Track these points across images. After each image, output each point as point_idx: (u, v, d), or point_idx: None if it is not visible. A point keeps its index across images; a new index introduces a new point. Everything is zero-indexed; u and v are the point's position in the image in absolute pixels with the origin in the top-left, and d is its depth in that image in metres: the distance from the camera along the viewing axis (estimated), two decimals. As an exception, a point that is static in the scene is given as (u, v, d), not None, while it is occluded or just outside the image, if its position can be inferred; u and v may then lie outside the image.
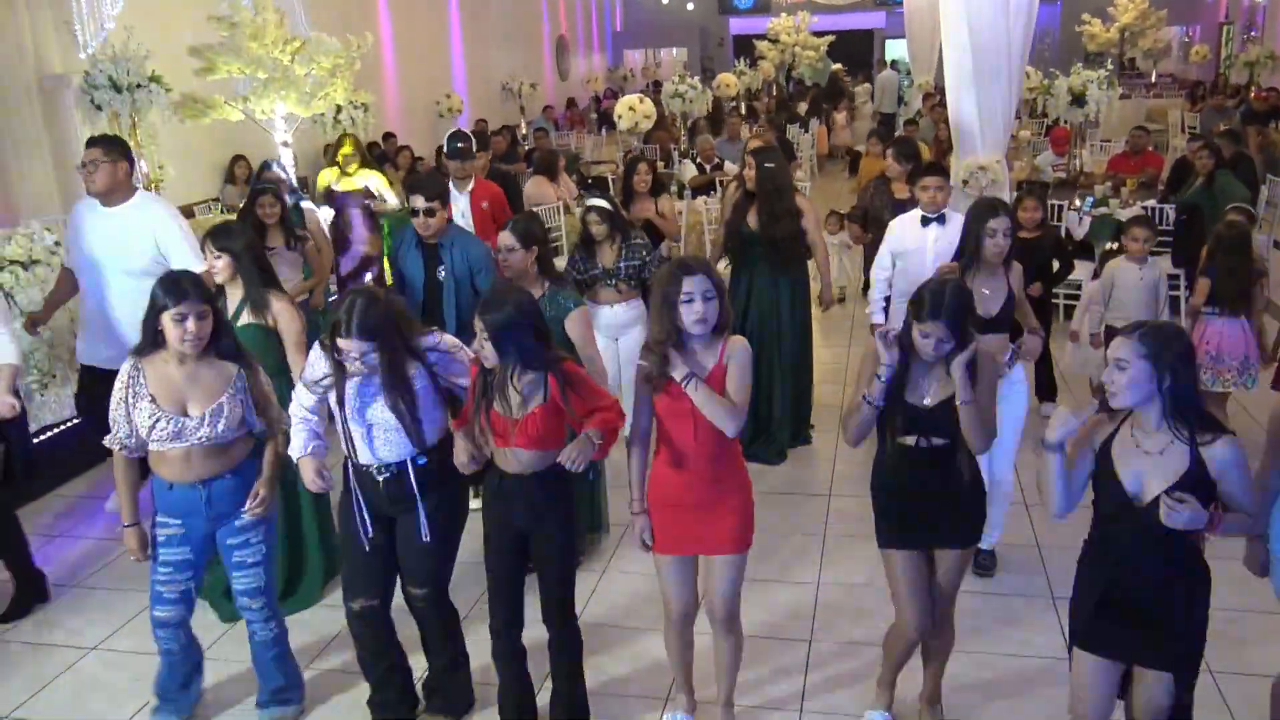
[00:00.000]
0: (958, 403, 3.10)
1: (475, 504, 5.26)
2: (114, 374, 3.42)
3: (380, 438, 3.34)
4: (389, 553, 3.48)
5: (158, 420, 3.29)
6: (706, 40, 31.24)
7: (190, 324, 3.25)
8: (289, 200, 5.91)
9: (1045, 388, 6.39)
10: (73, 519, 5.49)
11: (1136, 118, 14.63)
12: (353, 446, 3.38)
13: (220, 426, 3.34)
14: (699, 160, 11.25)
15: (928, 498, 3.23)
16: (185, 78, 8.26)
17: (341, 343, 3.20)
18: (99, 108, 7.14)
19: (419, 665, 3.76)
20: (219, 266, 4.03)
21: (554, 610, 3.45)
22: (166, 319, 3.25)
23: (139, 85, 7.11)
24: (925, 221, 5.05)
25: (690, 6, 30.41)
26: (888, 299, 5.28)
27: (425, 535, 3.39)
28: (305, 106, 8.41)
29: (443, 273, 4.91)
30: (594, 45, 28.48)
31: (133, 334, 4.89)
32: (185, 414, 3.32)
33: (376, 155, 11.90)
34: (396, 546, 3.48)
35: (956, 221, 4.93)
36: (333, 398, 3.35)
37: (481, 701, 3.74)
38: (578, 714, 3.59)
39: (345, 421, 3.36)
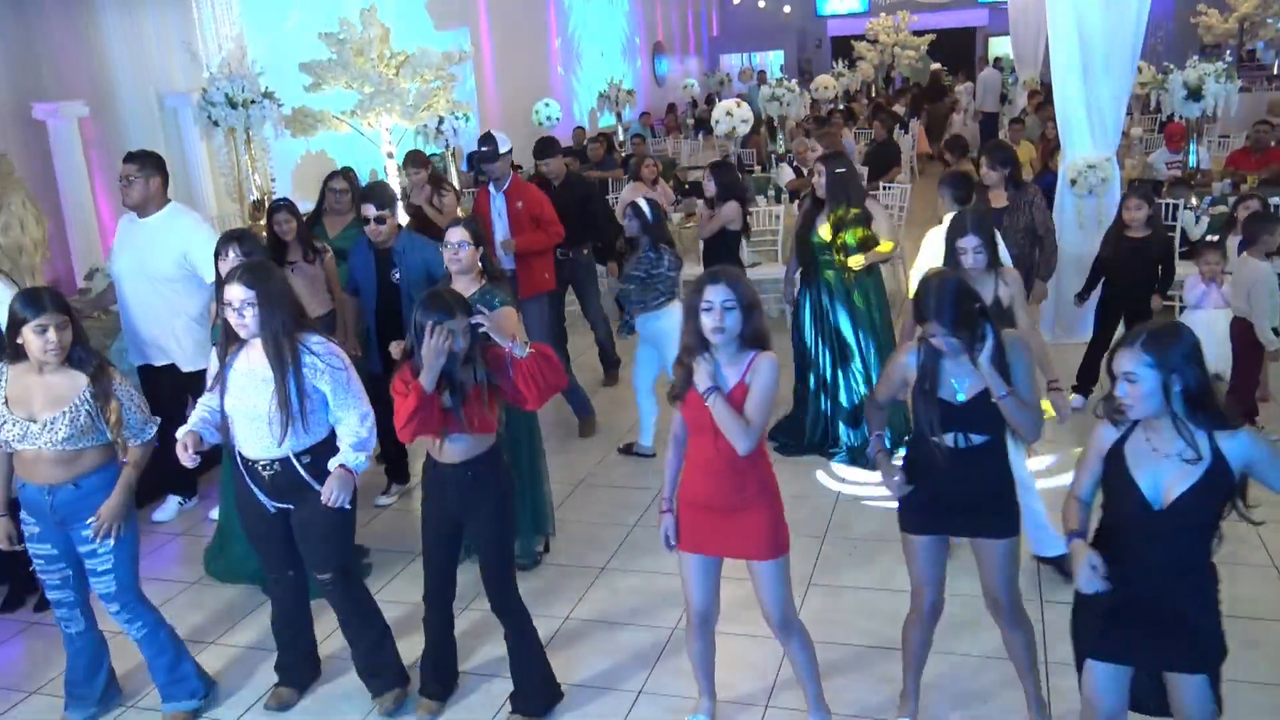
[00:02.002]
0: (994, 398, 3.09)
1: (386, 500, 5.65)
2: (166, 370, 3.59)
3: (259, 429, 3.49)
4: (288, 534, 3.70)
5: (5, 422, 3.49)
6: (804, 42, 30.97)
7: (51, 334, 3.43)
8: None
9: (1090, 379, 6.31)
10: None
11: (1258, 112, 13.98)
12: (235, 437, 3.57)
13: (61, 433, 3.47)
14: (796, 163, 11.16)
15: (961, 490, 3.22)
16: (296, 93, 8.55)
17: (227, 290, 3.40)
18: (216, 123, 7.42)
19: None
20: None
21: (495, 595, 3.62)
22: (28, 331, 3.42)
23: (253, 101, 7.37)
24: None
25: (787, 9, 30.20)
26: None
27: (314, 519, 3.59)
28: (409, 119, 8.61)
29: (396, 275, 5.21)
30: (690, 50, 28.50)
31: (154, 337, 5.30)
32: (31, 419, 3.48)
33: (475, 163, 12.12)
34: (293, 533, 3.69)
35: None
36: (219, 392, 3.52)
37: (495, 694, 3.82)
38: (537, 693, 3.73)
39: (229, 412, 3.52)
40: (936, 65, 23.94)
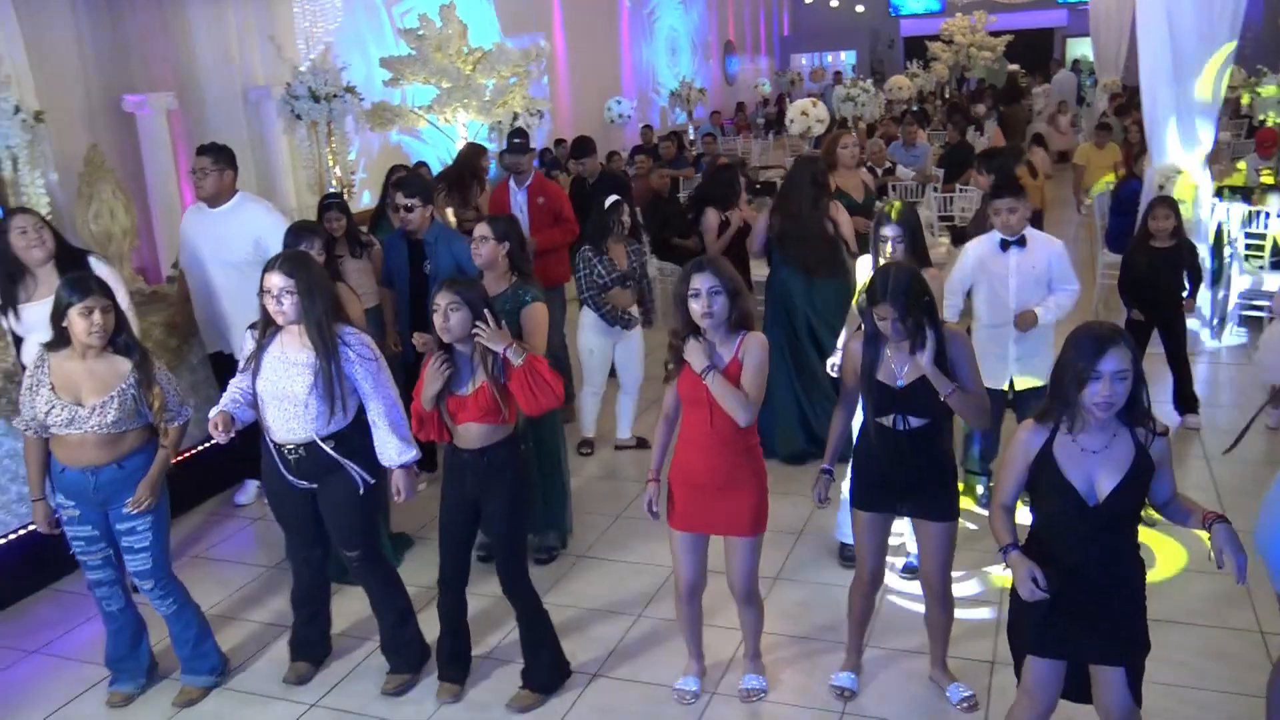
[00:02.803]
0: (942, 396, 3.28)
1: (421, 486, 5.55)
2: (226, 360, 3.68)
3: (290, 413, 3.60)
4: (315, 515, 3.82)
5: (54, 407, 3.57)
6: (876, 42, 30.66)
7: (96, 317, 3.54)
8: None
9: (1186, 399, 6.13)
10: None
11: (1352, 117, 13.50)
12: (267, 422, 3.66)
13: (110, 417, 3.59)
14: (870, 165, 11.04)
15: (903, 470, 3.42)
16: (375, 88, 8.68)
17: (266, 278, 3.52)
18: (298, 116, 7.56)
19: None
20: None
21: (507, 577, 3.75)
22: (73, 314, 3.53)
23: (335, 95, 7.49)
24: (1004, 245, 4.80)
25: (860, 8, 29.91)
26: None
27: (338, 501, 3.73)
28: (486, 114, 8.69)
29: (428, 267, 5.25)
30: (761, 49, 28.37)
31: (238, 321, 5.30)
32: (79, 403, 3.57)
33: (548, 161, 12.21)
34: (321, 512, 3.80)
35: (1040, 243, 4.79)
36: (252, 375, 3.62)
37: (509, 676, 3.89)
38: (546, 670, 3.87)
39: (260, 394, 3.63)
40: (1013, 66, 23.52)
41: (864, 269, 4.78)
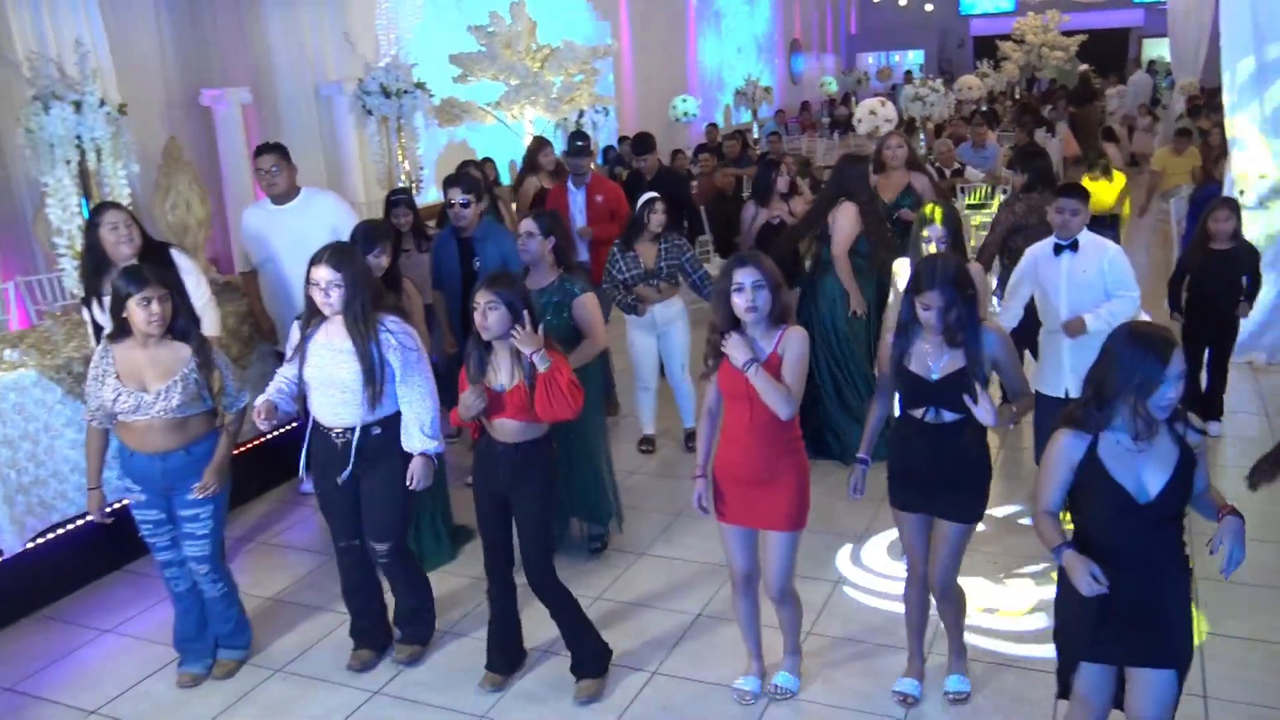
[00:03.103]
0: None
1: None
2: None
3: (336, 399, 3.71)
4: (356, 504, 3.91)
5: (120, 394, 3.67)
6: (945, 41, 30.24)
7: (154, 306, 3.64)
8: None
9: (1212, 406, 5.97)
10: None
11: None
12: (314, 407, 3.78)
13: (175, 401, 3.69)
14: (938, 165, 10.90)
15: (935, 466, 3.41)
16: (444, 84, 8.76)
17: (313, 271, 3.63)
18: (369, 112, 7.65)
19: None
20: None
21: (534, 573, 3.78)
22: (132, 304, 3.62)
23: (406, 91, 7.58)
24: (1058, 249, 4.67)
25: (929, 8, 29.52)
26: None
27: (378, 489, 3.83)
28: (553, 111, 8.73)
29: (477, 264, 5.26)
30: (828, 48, 28.14)
31: None
32: (144, 389, 3.67)
33: (612, 158, 12.23)
34: (360, 501, 3.89)
35: (1093, 248, 4.62)
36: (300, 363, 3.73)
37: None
38: (592, 657, 3.90)
39: (308, 381, 3.74)
40: (1085, 66, 23.03)
41: (903, 270, 4.75)
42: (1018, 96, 21.66)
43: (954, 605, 3.67)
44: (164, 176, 6.41)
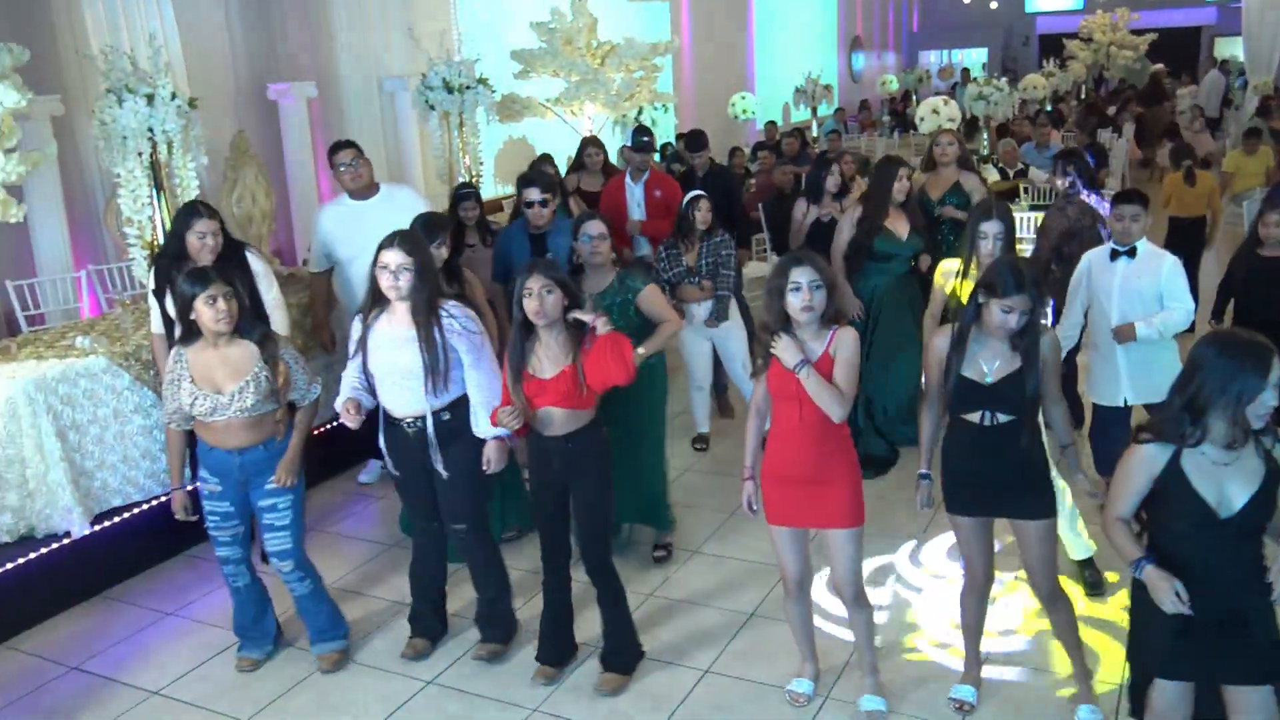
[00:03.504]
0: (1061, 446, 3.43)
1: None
2: None
3: (403, 386, 3.73)
4: (431, 489, 3.94)
5: (196, 398, 3.72)
6: (1010, 40, 29.75)
7: (221, 304, 3.66)
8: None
9: None
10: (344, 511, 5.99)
11: None
12: (382, 396, 3.81)
13: (249, 400, 3.72)
14: (1001, 165, 10.73)
15: (993, 469, 3.37)
16: (505, 80, 8.81)
17: (384, 254, 3.63)
18: (431, 107, 7.72)
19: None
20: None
21: (591, 558, 3.79)
22: (199, 304, 3.65)
23: (468, 87, 7.63)
24: (1115, 255, 4.55)
25: (994, 5, 29.06)
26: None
27: (445, 473, 3.85)
28: (613, 108, 8.74)
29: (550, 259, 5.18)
30: (889, 45, 27.84)
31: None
32: (219, 391, 3.71)
33: (669, 155, 12.21)
34: (435, 485, 3.91)
35: (1150, 256, 4.50)
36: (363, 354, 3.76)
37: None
38: (626, 652, 3.92)
39: (374, 373, 3.76)
40: (1158, 66, 22.51)
41: (949, 269, 4.70)
42: (1083, 96, 21.25)
43: (1066, 613, 3.55)
44: (230, 169, 6.54)
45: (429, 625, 4.24)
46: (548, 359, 3.62)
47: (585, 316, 3.56)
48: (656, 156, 11.51)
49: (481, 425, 3.81)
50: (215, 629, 4.47)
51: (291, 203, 8.36)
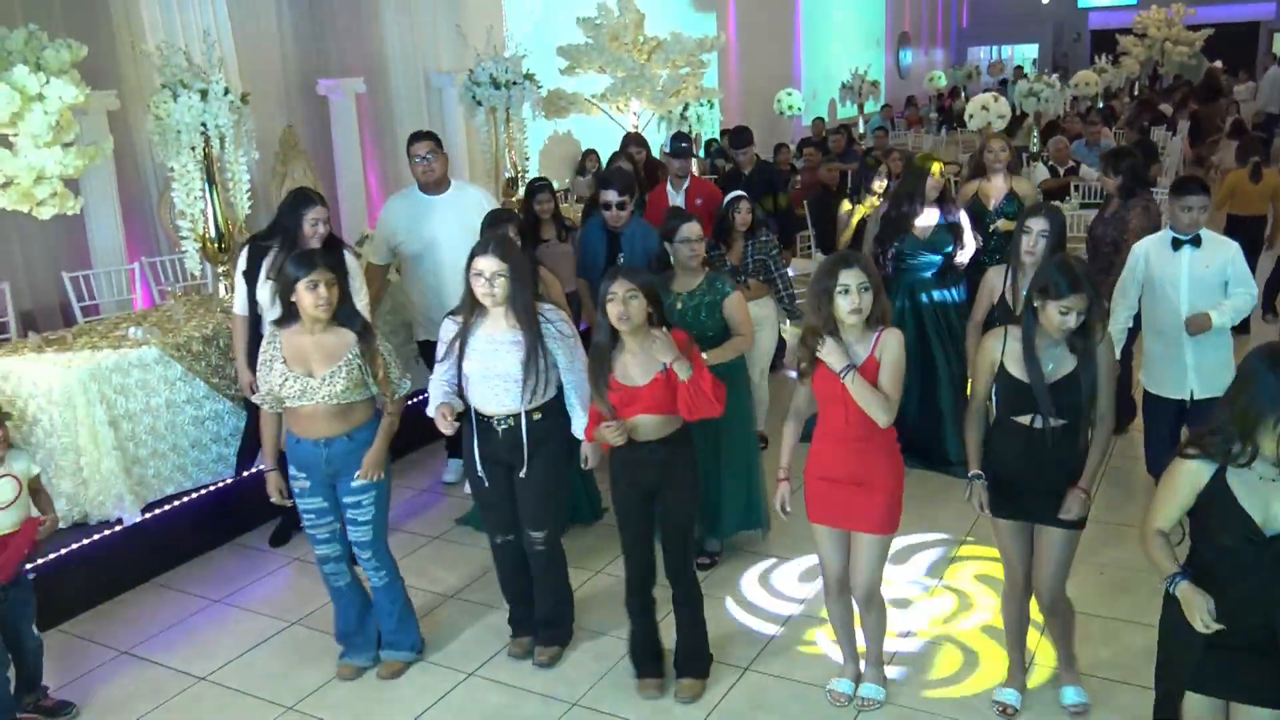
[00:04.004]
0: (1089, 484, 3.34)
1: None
2: None
3: (500, 388, 3.71)
4: (513, 497, 3.89)
5: (287, 379, 3.71)
6: (1061, 35, 29.33)
7: (322, 290, 3.66)
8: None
9: None
10: (419, 476, 6.05)
11: None
12: (475, 398, 3.77)
13: (339, 386, 3.71)
14: (1051, 163, 10.58)
15: (1041, 473, 3.33)
16: (551, 76, 8.84)
17: (478, 261, 3.62)
18: (479, 103, 7.77)
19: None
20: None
21: (674, 563, 3.71)
22: (301, 287, 3.65)
23: (514, 82, 7.67)
24: (1177, 244, 4.47)
25: (1045, 0, 28.66)
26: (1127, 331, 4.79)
27: (532, 475, 3.80)
28: (659, 104, 8.74)
29: (622, 258, 5.25)
30: (937, 41, 27.56)
31: None
32: (310, 374, 3.70)
33: (714, 151, 12.18)
34: (515, 492, 3.87)
35: (1215, 243, 4.47)
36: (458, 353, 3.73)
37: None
38: (700, 657, 3.86)
39: (468, 375, 3.73)
40: (1216, 63, 22.06)
41: (996, 279, 4.66)
42: (1136, 93, 20.89)
43: (1063, 618, 3.56)
44: (280, 163, 6.64)
45: (531, 625, 4.18)
46: (637, 366, 3.55)
47: (664, 356, 3.48)
48: (701, 153, 11.52)
49: (579, 426, 3.82)
50: (262, 617, 4.54)
51: (339, 197, 8.45)
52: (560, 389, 3.85)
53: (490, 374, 3.72)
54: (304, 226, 4.62)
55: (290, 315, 3.77)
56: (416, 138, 5.42)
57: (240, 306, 4.84)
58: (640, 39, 8.81)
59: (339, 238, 4.97)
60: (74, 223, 6.38)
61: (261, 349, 3.83)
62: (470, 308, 3.74)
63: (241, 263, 4.84)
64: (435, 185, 5.40)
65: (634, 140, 7.98)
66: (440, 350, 3.83)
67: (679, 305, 4.47)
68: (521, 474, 3.83)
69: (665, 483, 3.65)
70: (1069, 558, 3.44)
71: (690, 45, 8.66)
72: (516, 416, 3.76)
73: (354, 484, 3.83)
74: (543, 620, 4.12)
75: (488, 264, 3.63)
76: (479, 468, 3.88)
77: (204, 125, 5.40)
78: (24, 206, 4.70)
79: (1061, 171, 10.41)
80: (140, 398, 4.90)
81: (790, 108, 14.71)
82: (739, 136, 7.34)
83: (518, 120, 7.78)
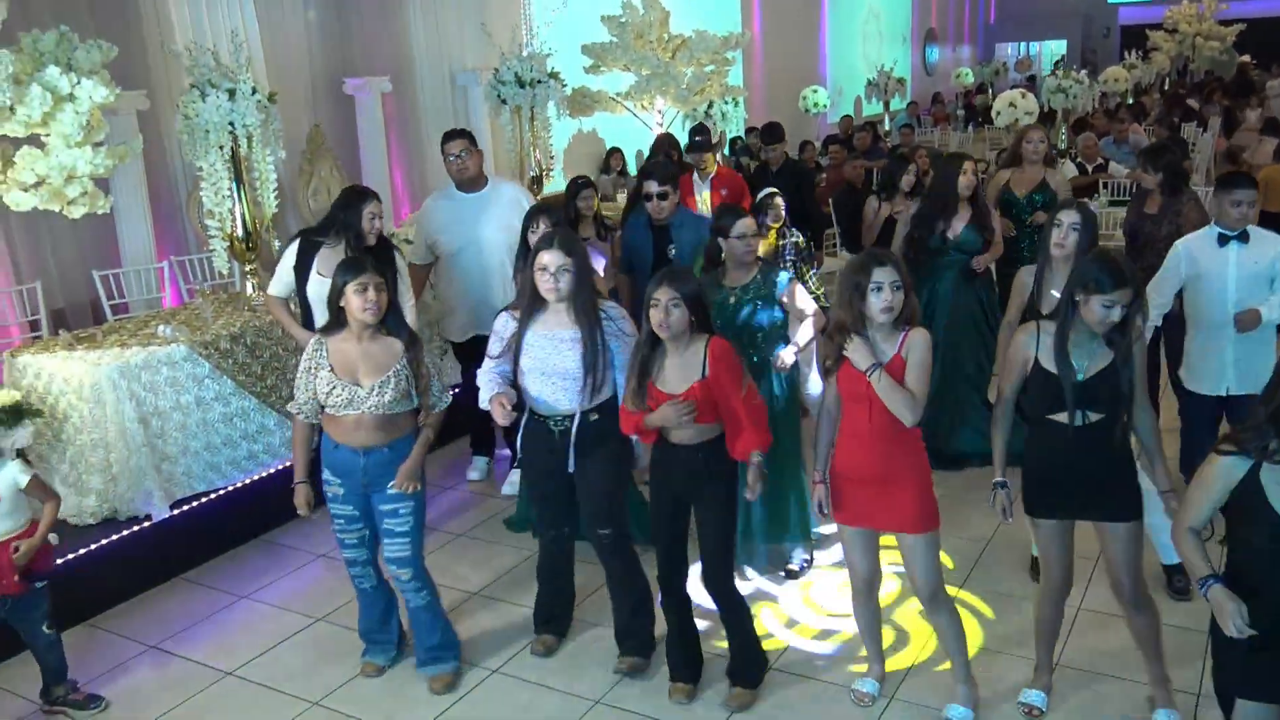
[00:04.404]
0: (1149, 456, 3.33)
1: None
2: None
3: (558, 386, 3.65)
4: (569, 492, 3.84)
5: (334, 388, 3.62)
6: (1090, 30, 29.04)
7: (371, 293, 3.57)
8: None
9: None
10: (449, 474, 6.07)
11: None
12: (530, 397, 3.72)
13: (388, 397, 3.62)
14: (1079, 160, 10.48)
15: (1079, 470, 3.28)
16: (575, 74, 8.85)
17: (543, 255, 3.56)
18: (504, 101, 7.79)
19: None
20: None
21: (714, 576, 3.67)
22: (350, 291, 3.57)
23: (539, 81, 7.68)
24: (1223, 240, 4.40)
25: (1074, -6, 28.40)
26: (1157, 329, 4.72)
27: (592, 474, 3.74)
28: (683, 102, 8.73)
29: (673, 251, 5.19)
30: (964, 38, 27.37)
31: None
32: (357, 384, 3.61)
33: (739, 149, 12.15)
34: (576, 491, 3.82)
35: (1263, 238, 4.39)
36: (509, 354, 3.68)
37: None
38: (754, 666, 3.82)
39: (525, 371, 3.67)
40: (1244, 58, 21.78)
41: (1027, 275, 4.58)
42: (1166, 89, 20.67)
43: (1151, 618, 3.46)
44: (307, 162, 6.68)
45: (560, 624, 4.21)
46: (674, 372, 3.48)
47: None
48: (726, 149, 11.49)
49: None
50: (288, 613, 4.57)
51: (365, 196, 8.49)
52: (616, 389, 3.73)
53: (549, 371, 3.66)
54: (363, 221, 4.63)
55: (339, 322, 3.69)
56: (449, 136, 5.42)
57: (275, 288, 4.88)
58: (665, 36, 8.80)
59: (389, 239, 4.95)
60: (104, 222, 6.45)
61: (304, 356, 3.74)
62: (530, 303, 3.68)
63: (291, 255, 4.85)
64: (471, 183, 5.40)
65: (666, 141, 7.96)
66: (494, 346, 3.78)
67: (732, 300, 4.38)
68: (572, 471, 3.77)
69: (698, 493, 3.59)
70: (1139, 549, 3.39)
71: (715, 43, 8.65)
72: (572, 416, 3.71)
73: (390, 493, 3.75)
74: (621, 630, 4.02)
75: (553, 258, 3.56)
76: (530, 466, 3.86)
77: (232, 125, 5.44)
78: (55, 206, 4.75)
79: (1090, 169, 10.32)
80: (169, 395, 4.94)
81: (816, 105, 14.64)
82: (771, 133, 7.30)
83: (542, 119, 7.80)
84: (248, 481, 5.26)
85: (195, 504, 5.04)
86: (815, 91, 14.82)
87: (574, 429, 3.71)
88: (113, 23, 6.68)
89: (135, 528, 4.80)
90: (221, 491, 5.15)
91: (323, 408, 3.72)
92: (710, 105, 10.05)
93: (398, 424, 3.74)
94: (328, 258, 4.63)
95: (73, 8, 6.42)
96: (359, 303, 3.59)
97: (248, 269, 5.87)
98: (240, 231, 5.73)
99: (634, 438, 3.72)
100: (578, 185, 5.83)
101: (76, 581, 4.48)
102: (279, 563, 5.05)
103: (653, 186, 5.25)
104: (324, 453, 3.80)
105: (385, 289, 3.65)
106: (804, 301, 4.41)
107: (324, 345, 3.70)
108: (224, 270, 6.14)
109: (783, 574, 4.64)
